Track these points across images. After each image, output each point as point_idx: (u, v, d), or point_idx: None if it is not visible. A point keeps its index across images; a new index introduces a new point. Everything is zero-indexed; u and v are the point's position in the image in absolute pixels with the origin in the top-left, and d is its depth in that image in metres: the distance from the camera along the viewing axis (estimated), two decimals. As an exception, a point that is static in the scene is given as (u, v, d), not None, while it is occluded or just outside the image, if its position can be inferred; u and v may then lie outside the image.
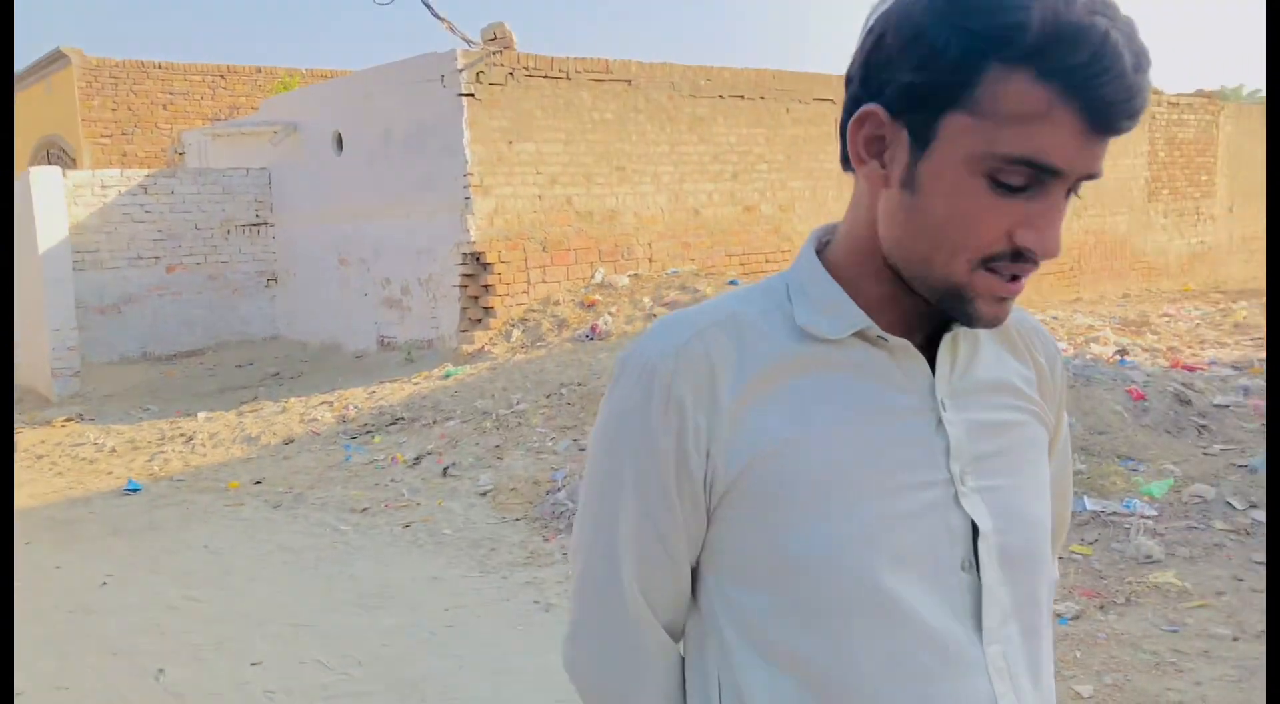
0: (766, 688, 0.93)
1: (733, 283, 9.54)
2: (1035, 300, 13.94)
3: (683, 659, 1.01)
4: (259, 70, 16.78)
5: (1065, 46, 0.79)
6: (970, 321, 0.90)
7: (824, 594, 0.91)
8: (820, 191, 11.72)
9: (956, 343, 0.97)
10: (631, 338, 8.37)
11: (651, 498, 0.94)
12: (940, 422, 0.94)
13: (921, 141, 0.87)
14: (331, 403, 8.38)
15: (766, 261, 11.26)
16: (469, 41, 8.78)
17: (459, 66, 8.87)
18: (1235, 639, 3.78)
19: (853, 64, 0.93)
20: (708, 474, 0.92)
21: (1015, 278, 0.87)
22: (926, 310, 0.94)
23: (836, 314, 0.93)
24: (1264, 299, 13.68)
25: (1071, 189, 0.86)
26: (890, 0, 0.88)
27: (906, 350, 0.94)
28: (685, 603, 1.00)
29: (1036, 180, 0.84)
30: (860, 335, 0.93)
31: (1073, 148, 0.82)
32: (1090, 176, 0.86)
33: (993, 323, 0.90)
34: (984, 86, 0.82)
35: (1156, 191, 16.17)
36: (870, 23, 0.90)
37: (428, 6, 8.12)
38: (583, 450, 6.45)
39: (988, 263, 0.86)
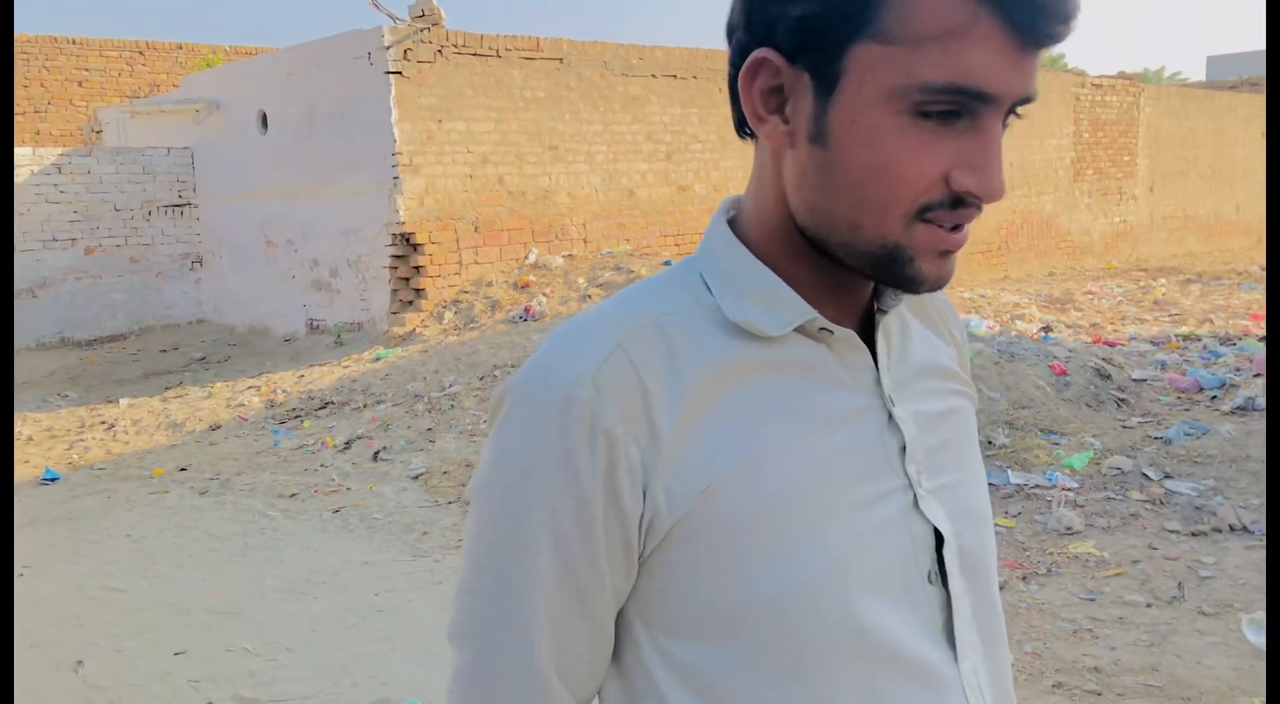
0: None
1: (667, 263, 9.55)
2: (964, 278, 14.20)
3: None
4: (180, 47, 16.30)
5: None
6: (913, 285, 0.77)
7: (797, 636, 0.78)
8: (753, 171, 11.77)
9: (889, 328, 0.87)
10: (566, 318, 8.36)
11: (572, 554, 0.77)
12: (891, 418, 0.83)
13: (827, 84, 0.74)
14: (259, 387, 8.23)
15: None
16: (395, 19, 8.64)
17: (386, 44, 8.71)
18: (1149, 606, 3.91)
19: (733, 9, 0.79)
20: (644, 515, 0.77)
21: (957, 227, 0.75)
22: (854, 288, 0.84)
23: (775, 305, 0.80)
24: (1184, 277, 14.11)
25: (1010, 112, 0.74)
26: None
27: (850, 342, 0.82)
28: (600, 671, 0.83)
29: (967, 109, 0.72)
30: (799, 328, 0.81)
31: (1004, 66, 0.70)
32: (1027, 100, 0.74)
33: (938, 283, 0.77)
34: (892, 5, 0.70)
35: (1081, 172, 16.55)
36: None
37: (350, -19, 7.95)
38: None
39: (924, 214, 0.74)
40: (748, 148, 0.84)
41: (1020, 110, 0.75)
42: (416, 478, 5.91)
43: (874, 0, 0.70)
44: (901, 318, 0.90)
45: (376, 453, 6.33)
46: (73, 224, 10.85)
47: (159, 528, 5.40)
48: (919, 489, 0.82)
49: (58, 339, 10.77)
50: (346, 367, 8.42)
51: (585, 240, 10.28)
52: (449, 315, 8.98)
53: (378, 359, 8.39)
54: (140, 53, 16.00)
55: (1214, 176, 19.41)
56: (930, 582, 0.82)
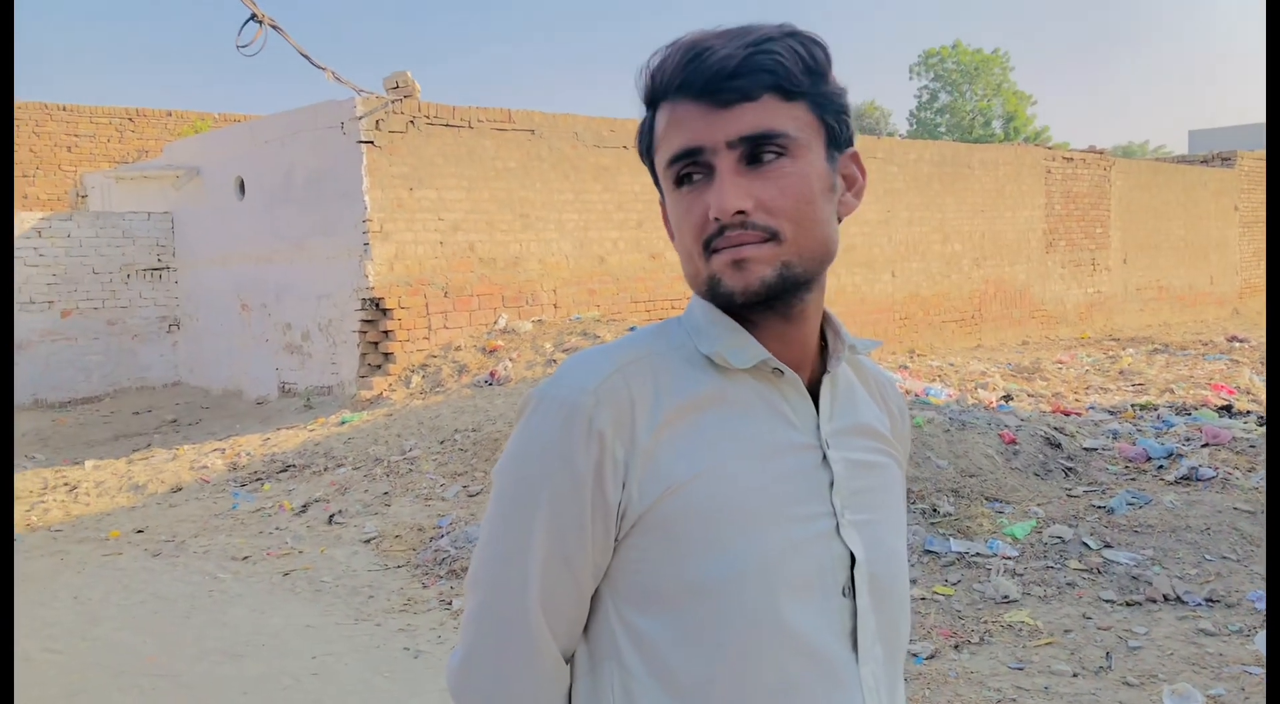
0: None
1: (632, 329, 9.67)
2: (937, 346, 14.34)
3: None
4: (169, 114, 16.62)
5: (658, 73, 1.02)
6: (731, 298, 1.00)
7: (727, 618, 0.97)
8: (726, 240, 11.94)
9: (835, 384, 1.08)
10: (531, 382, 8.43)
11: (565, 526, 0.97)
12: (825, 458, 1.04)
13: (662, 195, 1.07)
14: (224, 450, 8.26)
15: (672, 307, 11.44)
16: (358, 91, 8.87)
17: (358, 114, 8.93)
18: (1075, 675, 3.94)
19: None
20: (622, 503, 0.97)
21: (742, 244, 0.98)
22: (791, 343, 1.05)
23: (739, 346, 1.02)
24: (1152, 347, 14.26)
25: (756, 157, 0.98)
26: None
27: (796, 386, 1.04)
28: (579, 630, 1.03)
29: (703, 167, 0.99)
30: (756, 371, 1.03)
31: (700, 124, 0.98)
32: (748, 138, 0.98)
33: (745, 289, 0.99)
34: (655, 130, 1.04)
35: (1053, 243, 16.82)
36: None
37: (307, 57, 8.18)
38: (472, 497, 6.46)
39: (709, 246, 0.99)
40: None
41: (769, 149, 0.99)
42: (369, 541, 5.93)
43: (650, 132, 1.05)
44: (848, 383, 1.12)
45: (331, 516, 6.36)
46: (50, 287, 10.97)
47: (107, 590, 5.40)
48: (841, 518, 1.02)
49: (31, 401, 10.81)
50: (312, 430, 8.46)
51: (556, 306, 10.42)
52: (416, 379, 9.06)
53: (343, 422, 8.44)
54: (130, 119, 16.30)
55: (1187, 248, 19.72)
56: (844, 595, 1.02)
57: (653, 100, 1.03)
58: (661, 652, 0.98)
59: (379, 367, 9.29)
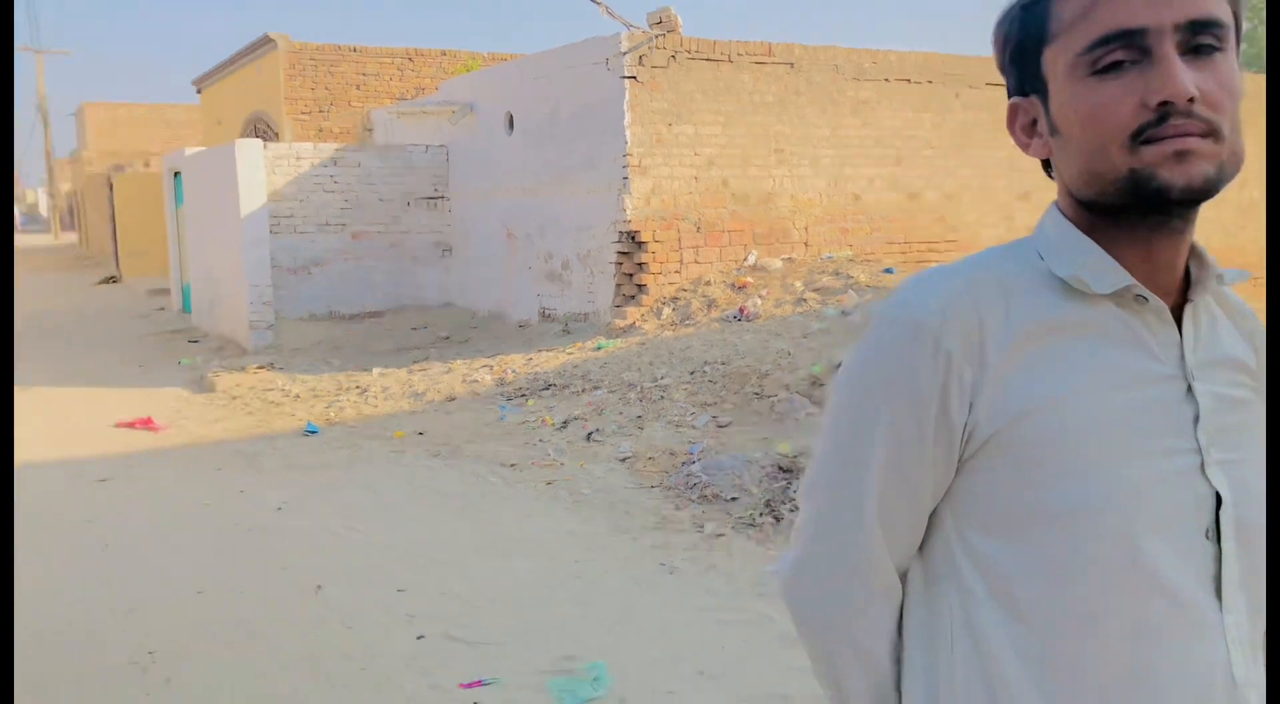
0: (1006, 634, 0.96)
1: (888, 271, 9.52)
2: None
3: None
4: (444, 53, 17.68)
5: None
6: (1165, 194, 0.90)
7: (1082, 550, 0.93)
8: (990, 181, 11.43)
9: (1198, 314, 1.00)
10: (781, 321, 8.52)
11: (905, 443, 0.97)
12: (1190, 391, 0.97)
13: (1043, 93, 0.98)
14: (492, 366, 8.90)
15: (930, 251, 11.10)
16: (628, 25, 9.07)
17: (622, 50, 9.17)
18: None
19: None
20: (968, 424, 0.95)
21: (1186, 134, 0.89)
22: (1161, 265, 0.98)
23: (1101, 270, 0.96)
24: None
25: (1197, 48, 0.90)
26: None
27: (1161, 314, 0.97)
28: (915, 547, 1.03)
29: (1137, 49, 0.90)
30: (1117, 298, 0.97)
31: (1141, 3, 0.90)
32: (1198, 23, 0.90)
33: (1190, 183, 0.90)
34: (1051, 19, 0.95)
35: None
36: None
37: (586, -8, 8.43)
38: (722, 427, 6.66)
39: (1140, 137, 0.90)
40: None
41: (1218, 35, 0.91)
42: (624, 460, 6.25)
43: (1041, 24, 0.97)
44: (1212, 312, 1.04)
45: (590, 434, 6.74)
46: (343, 211, 12.06)
47: (395, 482, 6.03)
48: (1207, 456, 0.96)
49: (326, 312, 12.01)
50: (570, 353, 8.95)
51: (806, 244, 10.38)
52: (667, 311, 9.35)
53: (599, 348, 8.86)
54: (410, 59, 17.48)
55: None
56: (1207, 538, 0.96)
57: None
58: (1006, 577, 0.96)
59: (632, 297, 9.64)
